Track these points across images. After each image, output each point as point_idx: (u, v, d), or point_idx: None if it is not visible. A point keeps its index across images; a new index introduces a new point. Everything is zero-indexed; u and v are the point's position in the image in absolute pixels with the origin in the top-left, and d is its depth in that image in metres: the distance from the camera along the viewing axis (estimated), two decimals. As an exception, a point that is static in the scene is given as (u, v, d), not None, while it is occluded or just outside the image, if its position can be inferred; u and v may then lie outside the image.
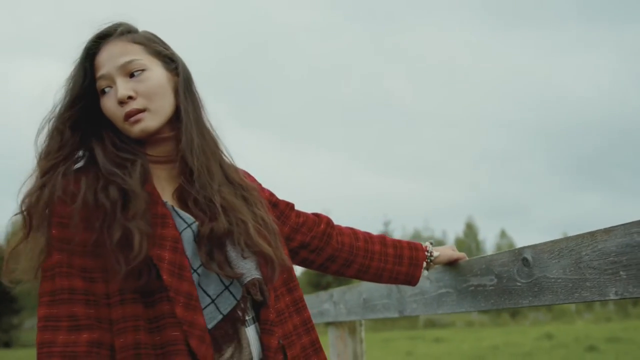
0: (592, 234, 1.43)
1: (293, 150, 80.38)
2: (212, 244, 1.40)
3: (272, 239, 1.49)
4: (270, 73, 78.50)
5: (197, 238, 1.40)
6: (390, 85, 77.78)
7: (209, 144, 1.50)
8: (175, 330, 1.30)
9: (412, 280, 1.86)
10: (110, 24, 1.50)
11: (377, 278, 1.84)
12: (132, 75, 1.44)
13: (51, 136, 1.42)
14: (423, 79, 78.93)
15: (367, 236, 1.82)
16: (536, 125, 74.88)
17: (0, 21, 75.27)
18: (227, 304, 1.39)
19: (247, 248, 1.43)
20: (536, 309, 32.21)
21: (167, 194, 1.47)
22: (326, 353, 3.30)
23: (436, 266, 1.95)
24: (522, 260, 1.65)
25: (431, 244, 1.91)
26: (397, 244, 1.84)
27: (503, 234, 51.46)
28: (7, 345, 34.71)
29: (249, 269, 1.43)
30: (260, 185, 1.71)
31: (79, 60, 1.46)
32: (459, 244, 49.80)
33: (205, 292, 1.38)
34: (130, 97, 1.42)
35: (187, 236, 1.39)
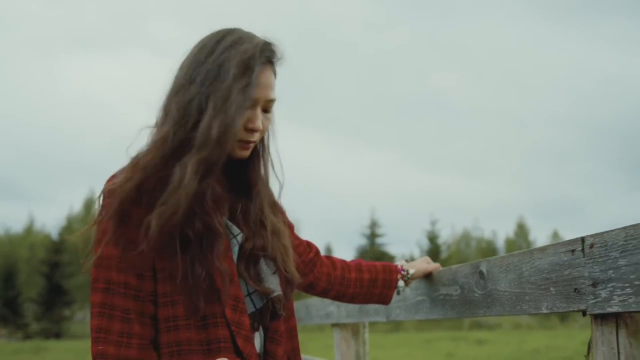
0: (531, 251, 1.55)
1: (340, 146, 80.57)
2: (250, 258, 1.53)
3: (295, 262, 1.62)
4: (319, 68, 78.78)
5: (240, 250, 1.52)
6: (440, 80, 77.35)
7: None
8: (223, 329, 1.42)
9: (385, 300, 1.99)
10: (277, 46, 1.54)
11: (352, 300, 1.97)
12: (264, 111, 1.53)
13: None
14: (474, 75, 78.23)
15: (344, 265, 1.94)
16: (593, 122, 73.55)
17: (51, 18, 77.33)
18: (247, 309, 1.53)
19: (281, 269, 1.56)
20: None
21: None
22: (331, 353, 3.44)
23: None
24: (479, 273, 1.78)
25: (406, 261, 2.03)
26: (372, 269, 1.96)
27: (555, 235, 50.57)
28: (57, 336, 35.75)
29: (275, 285, 1.55)
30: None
31: (259, 66, 1.47)
32: (509, 244, 49.19)
33: None
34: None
35: (232, 245, 1.52)
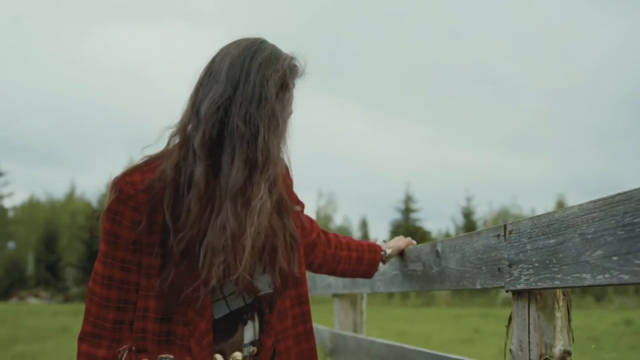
0: (470, 235, 1.79)
1: (377, 120, 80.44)
2: None
3: (293, 256, 1.69)
4: (359, 41, 78.44)
5: None
6: (480, 55, 76.44)
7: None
8: (184, 328, 1.57)
9: (368, 275, 2.23)
10: (300, 61, 1.64)
11: (341, 275, 2.21)
12: None
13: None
14: (514, 49, 77.11)
15: (337, 242, 2.13)
16: (635, 99, 72.00)
17: (102, -10, 78.16)
18: (236, 304, 1.65)
19: (270, 267, 1.65)
20: (624, 294, 31.79)
21: None
22: (331, 321, 3.71)
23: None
24: (436, 252, 2.01)
25: (384, 241, 2.28)
26: (360, 248, 2.19)
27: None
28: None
29: (264, 284, 1.66)
30: (290, 183, 1.83)
31: (291, 83, 1.61)
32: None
33: (220, 290, 1.63)
34: None
35: None
